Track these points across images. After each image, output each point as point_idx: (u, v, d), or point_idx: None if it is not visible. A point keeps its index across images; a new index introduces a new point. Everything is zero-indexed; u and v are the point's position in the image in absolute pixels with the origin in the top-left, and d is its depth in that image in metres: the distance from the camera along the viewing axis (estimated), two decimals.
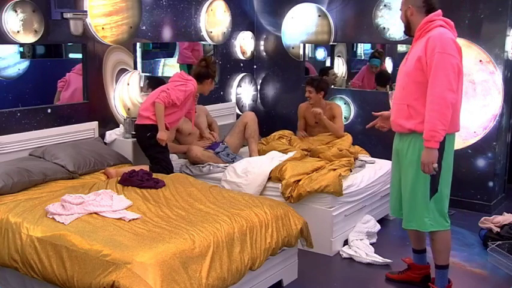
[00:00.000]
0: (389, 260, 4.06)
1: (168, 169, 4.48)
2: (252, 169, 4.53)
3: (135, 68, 5.26)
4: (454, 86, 3.09)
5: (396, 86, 3.46)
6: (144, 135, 4.51)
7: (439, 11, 3.28)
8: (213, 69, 4.73)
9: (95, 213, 3.32)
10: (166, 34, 5.44)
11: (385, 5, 5.52)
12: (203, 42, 6.09)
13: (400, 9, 3.41)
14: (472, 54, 5.11)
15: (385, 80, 6.46)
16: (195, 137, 5.14)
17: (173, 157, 4.95)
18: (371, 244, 4.33)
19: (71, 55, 5.22)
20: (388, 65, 7.13)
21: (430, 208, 3.32)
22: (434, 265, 3.51)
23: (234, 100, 6.38)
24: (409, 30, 3.40)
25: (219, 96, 6.22)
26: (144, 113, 4.51)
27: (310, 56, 7.13)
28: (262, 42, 6.57)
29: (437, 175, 3.25)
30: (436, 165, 3.14)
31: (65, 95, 4.89)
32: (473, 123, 5.19)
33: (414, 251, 3.71)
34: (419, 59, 3.16)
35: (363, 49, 7.92)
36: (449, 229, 3.42)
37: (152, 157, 4.54)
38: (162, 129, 4.45)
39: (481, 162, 5.27)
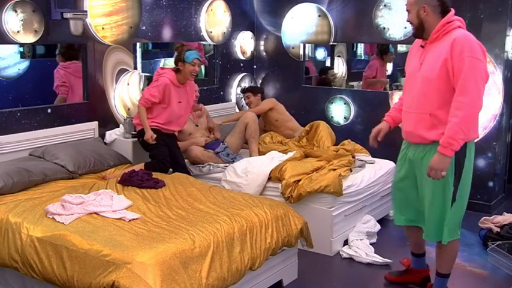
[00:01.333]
0: (389, 260, 4.06)
1: (163, 163, 4.44)
2: (252, 169, 4.53)
3: (135, 68, 5.27)
4: (482, 94, 2.96)
5: (410, 93, 3.21)
6: (140, 140, 4.60)
7: (453, 10, 3.11)
8: (177, 51, 4.54)
9: (95, 213, 3.32)
10: (166, 34, 5.43)
11: (385, 5, 5.52)
12: (203, 42, 6.09)
13: (407, 10, 3.17)
14: None
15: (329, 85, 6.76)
16: (198, 135, 5.13)
17: None
18: (371, 244, 4.33)
19: None
20: (388, 65, 7.12)
21: (449, 218, 3.16)
22: (436, 272, 3.39)
23: (234, 100, 6.38)
24: (421, 31, 3.14)
25: (219, 96, 6.22)
26: (134, 121, 4.64)
27: (310, 56, 7.13)
28: (262, 42, 6.57)
29: (457, 183, 3.12)
30: (444, 173, 3.00)
31: (71, 100, 4.89)
32: None
33: (413, 255, 3.62)
34: (446, 61, 2.98)
35: (363, 49, 7.92)
36: (459, 237, 3.28)
37: (151, 156, 4.55)
38: (147, 130, 4.43)
39: (481, 162, 5.27)
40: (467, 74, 2.90)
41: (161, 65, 6.55)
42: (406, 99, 3.27)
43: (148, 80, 5.60)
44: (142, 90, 5.26)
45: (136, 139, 4.78)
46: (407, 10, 3.19)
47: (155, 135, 4.45)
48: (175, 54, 4.56)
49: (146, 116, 4.45)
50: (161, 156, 4.46)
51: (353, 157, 4.85)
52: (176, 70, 4.56)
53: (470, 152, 3.15)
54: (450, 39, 2.98)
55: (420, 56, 3.16)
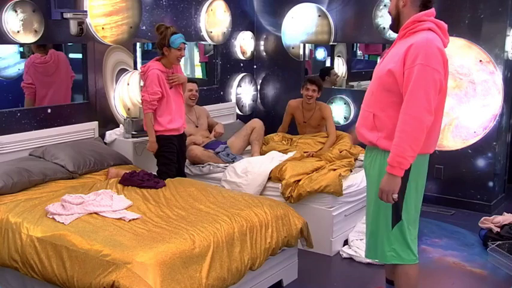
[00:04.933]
0: None
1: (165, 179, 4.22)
2: (252, 169, 4.53)
3: (135, 68, 5.26)
4: (433, 107, 2.60)
5: (368, 88, 2.93)
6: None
7: (432, 10, 2.74)
8: (160, 35, 4.24)
9: (95, 213, 3.32)
10: None
11: (385, 5, 5.52)
12: (203, 42, 6.09)
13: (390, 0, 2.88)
14: (472, 54, 5.11)
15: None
16: (198, 136, 5.12)
17: None
18: None
19: (71, 55, 5.21)
20: None
21: (392, 238, 2.82)
22: None
23: (234, 100, 6.38)
24: (397, 25, 2.82)
25: (219, 96, 6.22)
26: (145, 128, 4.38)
27: (313, 56, 7.14)
28: (262, 42, 6.57)
29: (401, 201, 2.74)
30: (396, 195, 2.66)
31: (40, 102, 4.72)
32: (473, 123, 5.19)
33: (388, 281, 3.18)
34: (391, 70, 2.67)
35: (357, 48, 7.94)
36: (416, 263, 2.89)
37: (158, 170, 4.39)
38: (151, 140, 4.27)
39: (481, 162, 5.27)
40: (415, 83, 2.56)
41: None
42: (365, 95, 2.96)
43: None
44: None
45: (136, 139, 4.78)
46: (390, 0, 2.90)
47: (156, 149, 4.30)
48: (159, 36, 4.26)
49: (153, 124, 4.26)
50: (167, 176, 4.25)
51: (356, 159, 4.85)
52: (160, 56, 4.32)
53: (419, 166, 2.77)
54: (410, 42, 2.64)
55: (387, 52, 2.87)
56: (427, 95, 2.56)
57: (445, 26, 2.74)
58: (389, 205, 2.76)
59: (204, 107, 5.51)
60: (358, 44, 7.74)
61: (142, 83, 5.12)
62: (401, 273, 2.89)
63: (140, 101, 5.06)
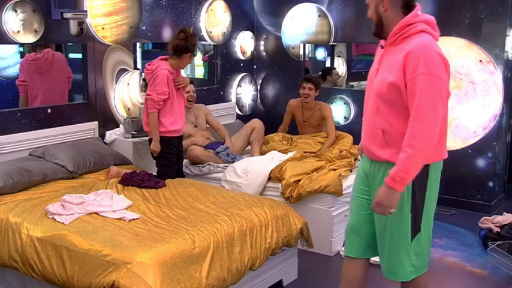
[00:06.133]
0: None
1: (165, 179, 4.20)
2: (252, 169, 4.53)
3: (135, 68, 5.26)
4: (440, 118, 2.45)
5: (367, 103, 2.73)
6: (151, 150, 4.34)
7: (417, 7, 2.54)
8: (192, 42, 4.22)
9: (95, 213, 3.32)
10: (166, 34, 5.43)
11: None
12: (203, 42, 6.10)
13: (367, 3, 2.67)
14: (472, 54, 5.11)
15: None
16: (197, 135, 5.11)
17: None
18: None
19: (71, 55, 5.22)
20: None
21: (411, 252, 2.65)
22: None
23: (234, 100, 6.38)
24: (381, 30, 2.66)
25: (219, 96, 6.22)
26: (146, 128, 4.34)
27: (310, 56, 7.13)
28: (262, 42, 6.57)
29: (420, 211, 2.59)
30: (393, 210, 2.51)
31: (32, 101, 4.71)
32: (473, 123, 5.19)
33: None
34: (393, 83, 2.48)
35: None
36: (426, 271, 2.75)
37: (158, 169, 4.38)
38: (156, 140, 4.22)
39: (481, 162, 5.27)
40: (421, 95, 2.39)
41: None
42: (364, 109, 2.78)
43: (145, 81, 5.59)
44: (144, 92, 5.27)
45: (136, 139, 4.78)
46: (366, 2, 2.70)
47: (159, 149, 4.24)
48: (191, 42, 4.20)
49: (157, 124, 4.22)
50: (167, 177, 4.21)
51: (356, 159, 4.85)
52: (172, 57, 4.27)
53: (435, 174, 2.64)
54: (406, 49, 2.45)
55: (380, 60, 2.68)
56: (434, 107, 2.40)
57: (433, 20, 2.56)
58: (409, 218, 2.59)
59: (205, 106, 5.49)
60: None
61: (142, 81, 5.15)
62: (414, 286, 2.75)
63: (140, 102, 5.07)
